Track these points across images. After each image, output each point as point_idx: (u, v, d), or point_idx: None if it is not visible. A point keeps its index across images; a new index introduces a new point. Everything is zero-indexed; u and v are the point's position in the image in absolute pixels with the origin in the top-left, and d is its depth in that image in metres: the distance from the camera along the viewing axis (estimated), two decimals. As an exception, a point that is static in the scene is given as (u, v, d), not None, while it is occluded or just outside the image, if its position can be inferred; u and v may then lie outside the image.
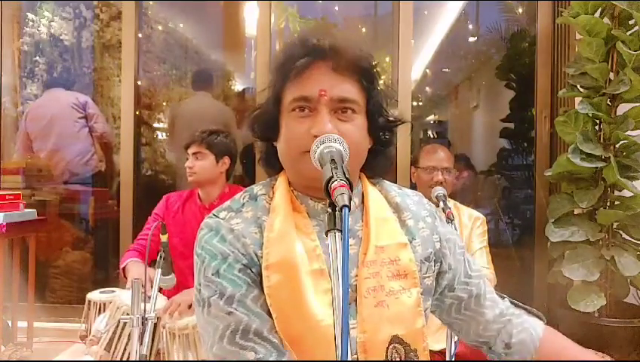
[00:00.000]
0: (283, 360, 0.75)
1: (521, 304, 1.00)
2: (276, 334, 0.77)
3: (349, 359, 0.78)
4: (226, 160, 2.22)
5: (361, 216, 0.89)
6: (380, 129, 0.90)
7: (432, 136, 4.68)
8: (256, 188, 0.91)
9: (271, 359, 0.75)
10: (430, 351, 1.90)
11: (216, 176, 2.21)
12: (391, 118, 0.92)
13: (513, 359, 0.95)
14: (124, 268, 2.11)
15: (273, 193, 0.88)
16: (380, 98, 0.90)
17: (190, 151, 2.19)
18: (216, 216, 0.86)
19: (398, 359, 0.80)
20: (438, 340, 1.94)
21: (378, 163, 0.93)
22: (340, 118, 0.84)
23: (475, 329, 0.97)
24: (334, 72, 0.84)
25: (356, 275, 0.83)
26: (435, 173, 2.08)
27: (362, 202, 0.91)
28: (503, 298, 1.02)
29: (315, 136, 0.80)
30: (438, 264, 0.93)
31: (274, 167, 0.92)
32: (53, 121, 3.37)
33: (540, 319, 0.98)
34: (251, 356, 0.75)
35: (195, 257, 0.84)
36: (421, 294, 0.85)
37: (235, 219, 0.85)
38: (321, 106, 0.83)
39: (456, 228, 1.83)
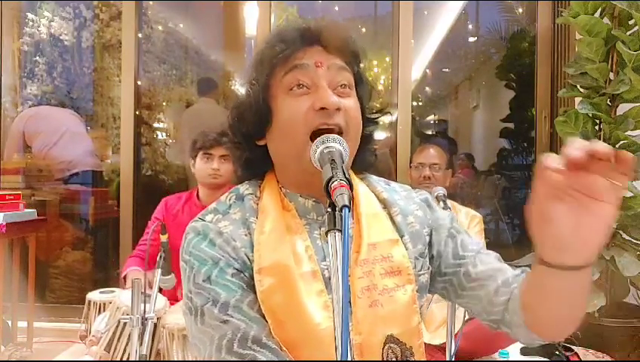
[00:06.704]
0: None
1: None
2: (274, 338, 0.74)
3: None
4: None
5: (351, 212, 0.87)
6: (366, 119, 0.88)
7: (432, 135, 4.68)
8: (242, 188, 0.87)
9: None
10: (430, 344, 1.92)
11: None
12: (374, 110, 0.91)
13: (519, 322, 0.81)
14: (124, 277, 2.13)
15: (261, 192, 0.85)
16: (367, 86, 0.88)
17: (216, 153, 2.20)
18: (203, 220, 0.82)
19: (393, 358, 0.77)
20: (439, 336, 1.95)
21: (364, 157, 0.90)
22: (340, 94, 0.81)
23: (484, 307, 0.86)
24: (327, 53, 0.82)
25: (349, 275, 0.78)
26: (423, 169, 2.10)
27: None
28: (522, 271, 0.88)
29: (322, 109, 0.78)
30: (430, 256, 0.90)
31: (257, 170, 0.89)
32: (62, 120, 3.41)
33: None
34: None
35: (181, 263, 0.80)
36: (416, 291, 0.82)
37: (222, 221, 0.81)
38: (320, 80, 0.80)
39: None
